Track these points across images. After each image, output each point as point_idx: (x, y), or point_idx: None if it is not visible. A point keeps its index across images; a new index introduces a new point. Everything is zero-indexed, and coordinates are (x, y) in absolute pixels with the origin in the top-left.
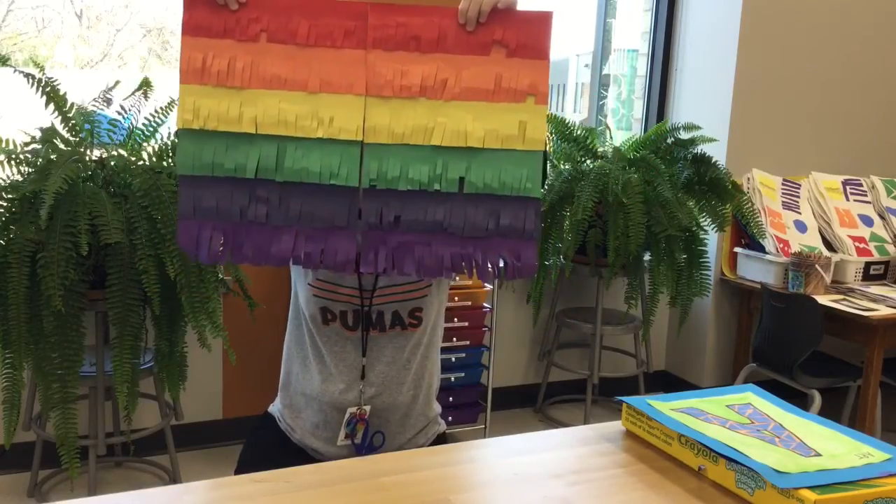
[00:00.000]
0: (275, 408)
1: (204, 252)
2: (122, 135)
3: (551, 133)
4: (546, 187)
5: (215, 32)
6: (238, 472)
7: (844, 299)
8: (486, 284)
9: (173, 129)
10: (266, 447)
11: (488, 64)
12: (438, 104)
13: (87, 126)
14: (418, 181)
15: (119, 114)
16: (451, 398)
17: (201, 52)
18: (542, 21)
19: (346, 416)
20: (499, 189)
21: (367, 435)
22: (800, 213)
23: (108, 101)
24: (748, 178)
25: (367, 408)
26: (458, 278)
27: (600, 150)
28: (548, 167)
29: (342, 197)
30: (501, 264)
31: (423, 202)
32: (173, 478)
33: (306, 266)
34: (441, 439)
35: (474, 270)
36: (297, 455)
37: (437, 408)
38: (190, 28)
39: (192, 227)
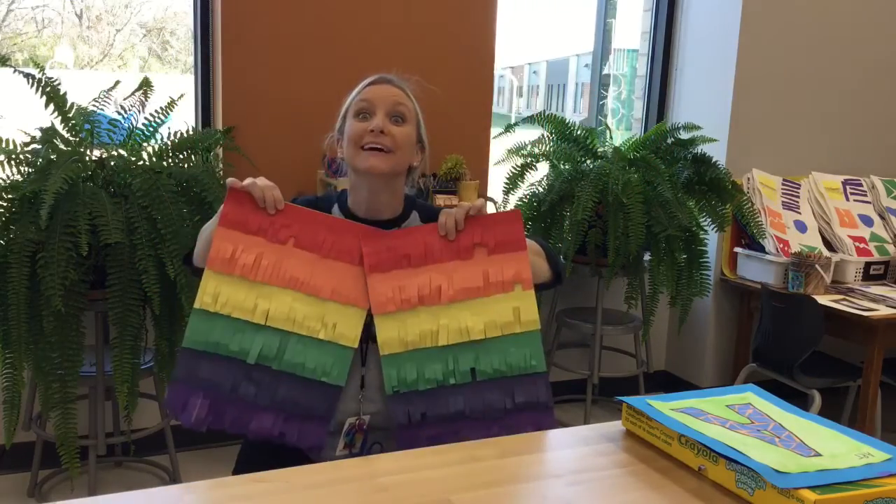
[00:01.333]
0: None
1: (188, 417)
2: (122, 135)
3: (551, 133)
4: (546, 187)
5: (250, 229)
6: (236, 471)
7: (844, 299)
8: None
9: (173, 128)
10: (264, 447)
11: (474, 265)
12: (438, 309)
13: (87, 126)
14: (435, 379)
15: (119, 114)
16: None
17: (232, 245)
18: (512, 219)
19: (346, 426)
20: (507, 372)
21: (365, 445)
22: (800, 213)
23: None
24: (748, 178)
25: (367, 417)
26: None
27: (600, 150)
28: (558, 258)
29: (327, 392)
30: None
31: (444, 396)
32: (173, 478)
33: (278, 442)
34: None
35: None
36: (295, 455)
37: None
38: (227, 221)
39: (183, 390)
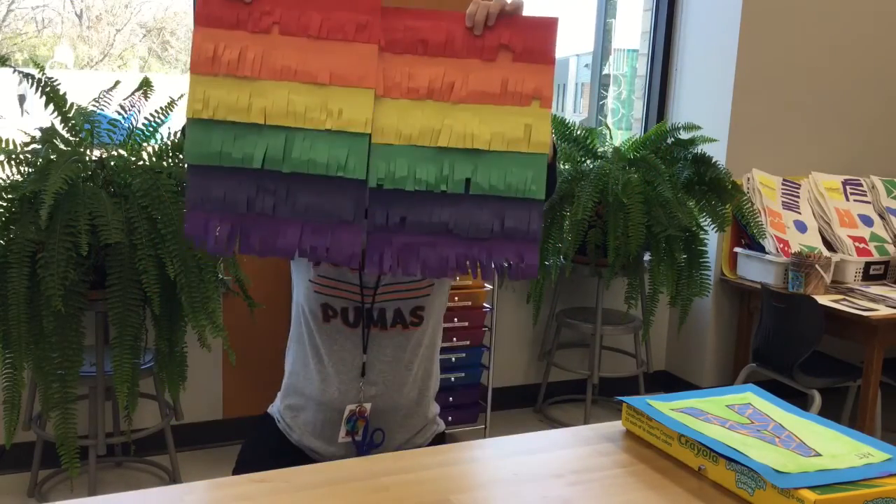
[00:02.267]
0: (274, 408)
1: (211, 241)
2: (122, 135)
3: (551, 133)
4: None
5: (228, 23)
6: (236, 471)
7: (844, 299)
8: (486, 285)
9: (173, 129)
10: (264, 447)
11: (494, 68)
12: (445, 106)
13: (87, 126)
14: (425, 182)
15: (119, 114)
16: (451, 398)
17: (213, 43)
18: (547, 27)
19: (346, 412)
20: (504, 191)
21: (367, 432)
22: (800, 213)
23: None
24: (748, 178)
25: (368, 405)
26: (458, 279)
27: (600, 150)
28: (556, 175)
29: (349, 191)
30: (505, 265)
31: (430, 204)
32: (173, 478)
33: (311, 259)
34: (440, 439)
35: (479, 271)
36: (295, 455)
37: (436, 408)
38: (203, 18)
39: (200, 216)
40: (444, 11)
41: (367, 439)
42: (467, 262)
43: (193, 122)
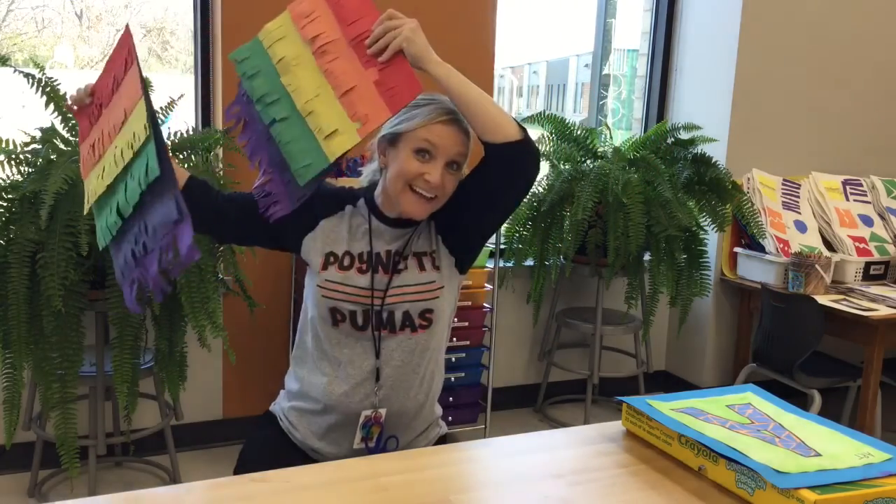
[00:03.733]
0: (277, 407)
1: (131, 300)
2: None
3: (551, 133)
4: (546, 187)
5: (86, 131)
6: (237, 470)
7: (844, 299)
8: (486, 285)
9: (173, 129)
10: (266, 446)
11: (359, 75)
12: (313, 66)
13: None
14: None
15: None
16: (451, 398)
17: (84, 151)
18: (411, 88)
19: (362, 419)
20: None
21: (381, 438)
22: (800, 213)
23: None
24: (748, 178)
25: (383, 410)
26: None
27: (600, 150)
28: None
29: (163, 196)
30: None
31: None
32: (173, 478)
33: (173, 275)
34: (442, 442)
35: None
36: (296, 454)
37: (439, 410)
38: (80, 138)
39: (126, 285)
40: (372, 6)
41: (381, 445)
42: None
43: (95, 213)
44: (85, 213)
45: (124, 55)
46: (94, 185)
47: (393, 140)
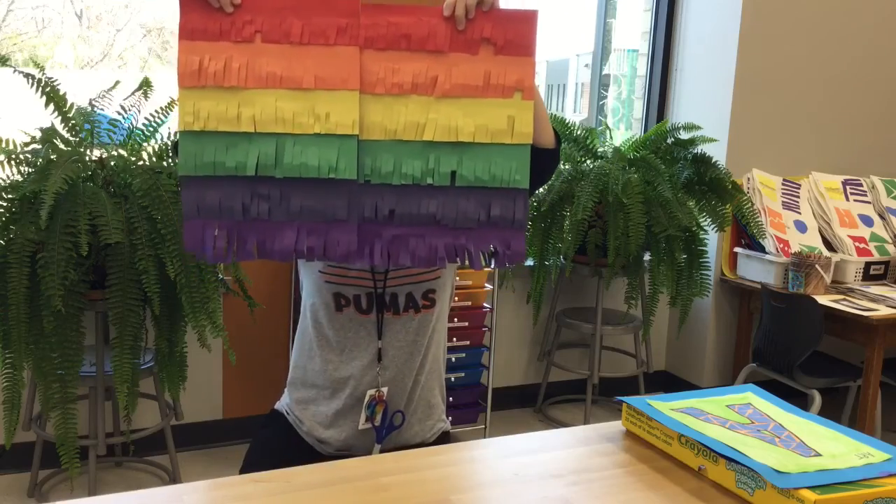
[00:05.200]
0: (282, 404)
1: (209, 251)
2: (122, 135)
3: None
4: (546, 187)
5: (211, 35)
6: (243, 470)
7: (844, 299)
8: (486, 285)
9: (173, 129)
10: (272, 444)
11: (477, 61)
12: (430, 100)
13: (87, 126)
14: (411, 175)
15: (119, 114)
16: (451, 398)
17: (198, 56)
18: (528, 19)
19: (366, 399)
20: (489, 181)
21: (386, 416)
22: (800, 213)
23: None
24: (748, 178)
25: (385, 389)
26: (458, 278)
27: (600, 150)
28: (557, 161)
29: (341, 191)
30: (491, 252)
31: (417, 196)
32: (173, 478)
33: (309, 259)
34: (444, 437)
35: (467, 259)
36: (303, 451)
37: (443, 403)
38: (186, 32)
39: (197, 227)
40: (424, 6)
41: (387, 422)
42: (455, 252)
43: (185, 135)
44: (180, 127)
45: (343, 21)
46: (210, 107)
47: None
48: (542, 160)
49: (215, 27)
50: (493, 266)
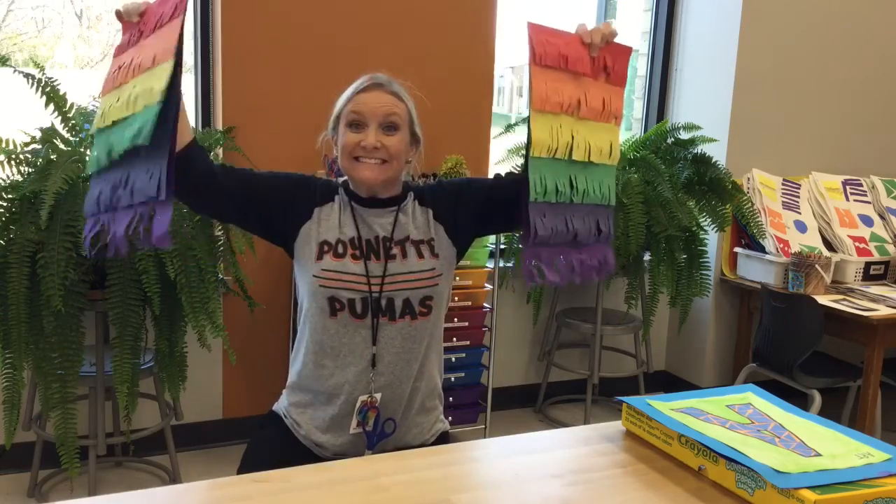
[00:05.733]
0: (280, 406)
1: (86, 244)
2: None
3: None
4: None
5: (123, 48)
6: (241, 470)
7: (844, 299)
8: (486, 284)
9: None
10: (270, 445)
11: (599, 87)
12: (573, 121)
13: (87, 126)
14: (564, 193)
15: None
16: (451, 398)
17: (115, 66)
18: (627, 53)
19: (358, 404)
20: (600, 199)
21: (378, 422)
22: (800, 213)
23: None
24: (748, 178)
25: (378, 395)
26: (458, 278)
27: None
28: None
29: (155, 165)
30: (595, 266)
31: (563, 213)
32: (173, 478)
33: (141, 245)
34: (443, 438)
35: (585, 272)
36: (301, 453)
37: (440, 404)
38: (115, 51)
39: (91, 221)
40: (565, 31)
41: (378, 429)
42: (584, 265)
43: (96, 133)
44: (92, 131)
45: (176, 1)
46: (105, 109)
47: (335, 127)
48: None
49: (126, 40)
50: (595, 279)
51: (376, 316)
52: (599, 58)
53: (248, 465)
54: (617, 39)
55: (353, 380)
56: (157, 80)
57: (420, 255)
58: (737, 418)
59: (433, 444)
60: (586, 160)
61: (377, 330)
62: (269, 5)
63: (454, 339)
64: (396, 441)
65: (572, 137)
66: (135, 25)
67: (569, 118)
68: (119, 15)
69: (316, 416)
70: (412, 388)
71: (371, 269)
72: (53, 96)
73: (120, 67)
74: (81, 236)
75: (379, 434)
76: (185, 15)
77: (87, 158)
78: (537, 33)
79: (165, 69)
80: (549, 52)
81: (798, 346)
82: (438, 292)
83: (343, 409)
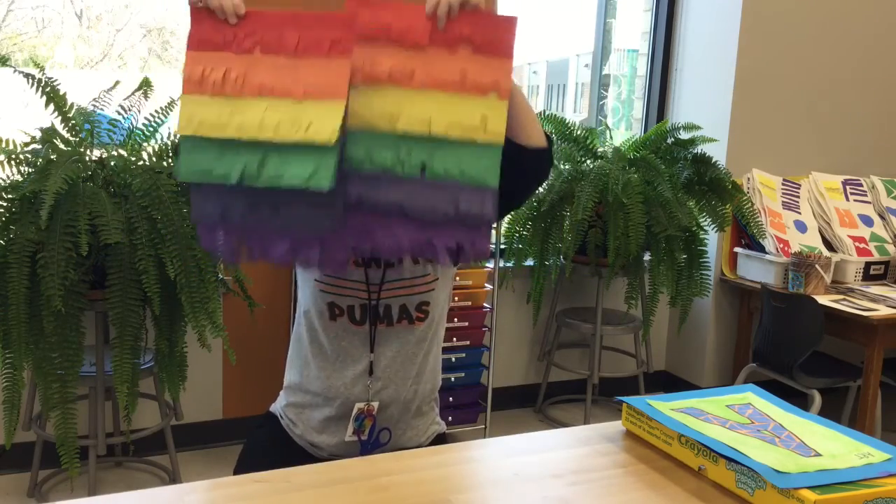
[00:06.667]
0: (276, 406)
1: (222, 252)
2: (122, 135)
3: (551, 133)
4: (546, 187)
5: (215, 46)
6: (237, 470)
7: (844, 299)
8: (486, 285)
9: (173, 129)
10: (266, 445)
11: (455, 59)
12: (406, 93)
13: (87, 126)
14: (381, 164)
15: (119, 114)
16: (451, 398)
17: (202, 65)
18: (507, 23)
19: (355, 411)
20: (458, 178)
21: (373, 431)
22: (800, 213)
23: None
24: (748, 178)
25: (376, 404)
26: (458, 278)
27: (600, 150)
28: (549, 164)
29: (325, 203)
30: (455, 248)
31: (385, 184)
32: (173, 478)
33: (306, 267)
34: (440, 440)
35: (429, 253)
36: (296, 453)
37: (437, 407)
38: (193, 43)
39: (207, 228)
40: (407, 4)
41: (373, 438)
42: (419, 245)
43: (184, 140)
44: (177, 132)
45: (337, 34)
46: (204, 114)
47: None
48: (534, 160)
49: (219, 39)
50: (457, 263)
51: (374, 322)
52: (454, 29)
53: (244, 465)
54: (617, 39)
55: (350, 383)
56: (324, 120)
57: (415, 260)
58: (737, 418)
59: (429, 446)
60: (427, 133)
61: (375, 335)
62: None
63: (454, 339)
64: (392, 445)
65: (400, 109)
66: (227, 27)
67: (396, 90)
68: (202, 5)
69: (312, 417)
70: (409, 391)
71: (371, 276)
72: (53, 96)
73: (225, 75)
74: (80, 242)
75: (374, 443)
76: (349, 56)
77: (181, 159)
78: (354, 7)
79: (336, 109)
80: (366, 25)
81: (798, 346)
82: (435, 297)
83: (339, 411)
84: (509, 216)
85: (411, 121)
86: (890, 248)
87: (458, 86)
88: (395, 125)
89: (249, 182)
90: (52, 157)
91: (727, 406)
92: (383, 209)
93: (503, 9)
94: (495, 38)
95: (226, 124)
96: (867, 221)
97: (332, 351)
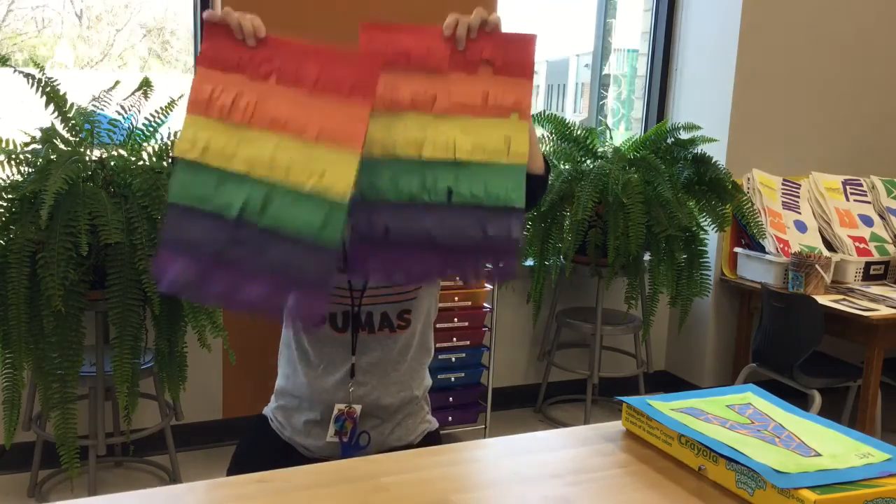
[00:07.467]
0: (268, 409)
1: (169, 281)
2: (122, 135)
3: (551, 133)
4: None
5: (229, 66)
6: (231, 471)
7: (844, 299)
8: (486, 285)
9: (173, 129)
10: (257, 447)
11: (475, 81)
12: (428, 118)
13: (87, 126)
14: (408, 193)
15: (119, 114)
16: (451, 398)
17: (211, 85)
18: (526, 42)
19: (335, 412)
20: (485, 200)
21: (354, 433)
22: (800, 213)
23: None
24: (748, 178)
25: (358, 407)
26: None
27: (600, 150)
28: (545, 189)
29: (320, 256)
30: (484, 270)
31: (413, 213)
32: (173, 478)
33: (269, 316)
34: (432, 437)
35: (458, 276)
36: (287, 452)
37: (426, 405)
38: (206, 59)
39: (168, 254)
40: (424, 26)
41: (354, 441)
42: (448, 269)
43: (181, 162)
44: (176, 153)
45: (360, 76)
46: (210, 140)
47: None
48: (532, 186)
49: (234, 59)
50: (488, 285)
51: (356, 329)
52: (474, 50)
53: (236, 467)
54: (617, 39)
55: (332, 388)
56: (337, 169)
57: None
58: (737, 418)
59: (420, 444)
60: (452, 158)
61: (356, 342)
62: (269, 4)
63: (454, 339)
64: (378, 446)
65: (424, 135)
66: (244, 48)
67: (419, 116)
68: (220, 21)
69: (298, 420)
70: (394, 396)
71: (353, 283)
72: (53, 96)
73: (235, 101)
74: (80, 242)
75: (354, 446)
76: (371, 100)
77: (176, 181)
78: (371, 32)
79: (350, 161)
80: (385, 52)
81: (798, 346)
82: (417, 306)
83: (324, 415)
84: None
85: (436, 147)
86: (890, 248)
87: (480, 109)
88: (420, 152)
89: (249, 218)
90: (52, 157)
91: (727, 406)
92: (412, 238)
93: (505, 13)
94: (515, 57)
95: (232, 155)
96: (867, 221)
97: (315, 356)
